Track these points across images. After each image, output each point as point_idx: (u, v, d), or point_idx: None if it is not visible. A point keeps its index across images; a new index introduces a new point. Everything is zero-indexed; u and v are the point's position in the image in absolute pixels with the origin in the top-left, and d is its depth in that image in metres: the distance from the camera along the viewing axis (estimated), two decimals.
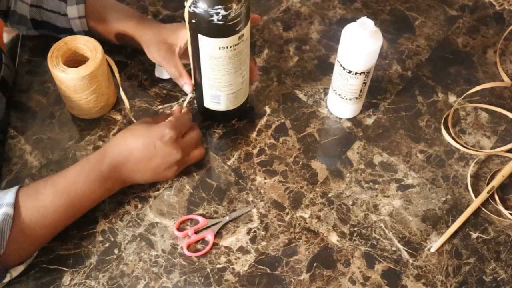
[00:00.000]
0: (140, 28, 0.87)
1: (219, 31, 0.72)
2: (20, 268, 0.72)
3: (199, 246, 0.78)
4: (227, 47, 0.74)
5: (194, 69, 0.80)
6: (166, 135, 0.76)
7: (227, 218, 0.79)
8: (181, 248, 0.77)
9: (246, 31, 0.74)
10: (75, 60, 0.84)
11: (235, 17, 0.70)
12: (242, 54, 0.77)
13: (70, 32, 0.90)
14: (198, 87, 0.84)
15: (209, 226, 0.79)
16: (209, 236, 0.77)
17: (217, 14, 0.69)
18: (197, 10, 0.70)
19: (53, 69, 0.80)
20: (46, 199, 0.71)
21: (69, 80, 0.80)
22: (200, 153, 0.82)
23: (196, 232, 0.78)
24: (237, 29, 0.72)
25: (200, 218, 0.79)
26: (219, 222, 0.79)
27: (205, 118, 0.89)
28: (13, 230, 0.68)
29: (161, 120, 0.80)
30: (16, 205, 0.69)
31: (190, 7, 0.70)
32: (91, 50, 0.82)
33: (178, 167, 0.80)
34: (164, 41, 0.84)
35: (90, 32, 0.89)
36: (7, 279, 0.70)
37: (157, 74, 0.93)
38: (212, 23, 0.70)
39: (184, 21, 0.74)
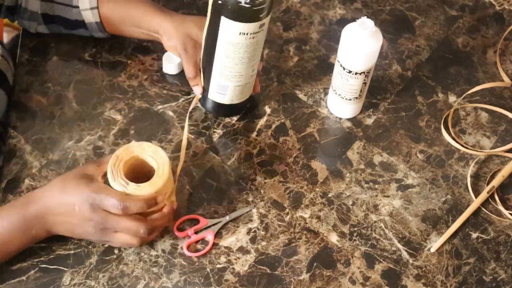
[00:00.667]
0: (159, 14, 0.85)
1: (243, 14, 0.72)
2: None
3: (199, 246, 0.78)
4: (247, 34, 0.74)
5: (207, 55, 0.78)
6: (85, 203, 0.69)
7: (227, 218, 0.79)
8: (181, 248, 0.77)
9: (267, 21, 0.74)
10: (137, 167, 0.74)
11: (261, 3, 0.71)
12: (258, 44, 0.77)
13: (82, 25, 0.89)
14: (206, 75, 0.83)
15: (209, 226, 0.79)
16: (209, 236, 0.77)
17: None
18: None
19: (112, 182, 0.71)
20: None
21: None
22: (129, 242, 0.73)
23: (196, 232, 0.78)
24: (260, 15, 0.72)
25: (200, 218, 0.79)
26: (219, 222, 0.79)
27: (205, 112, 0.89)
28: None
29: (105, 168, 0.72)
30: None
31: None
32: (158, 164, 0.72)
33: (98, 238, 0.73)
34: (189, 35, 0.83)
35: (102, 24, 0.89)
36: None
37: (164, 69, 0.92)
38: (240, 5, 0.70)
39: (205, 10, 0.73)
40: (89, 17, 0.88)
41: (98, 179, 0.71)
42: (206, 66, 0.81)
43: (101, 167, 0.73)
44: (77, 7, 0.88)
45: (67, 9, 0.89)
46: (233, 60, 0.78)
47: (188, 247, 0.77)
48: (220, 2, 0.71)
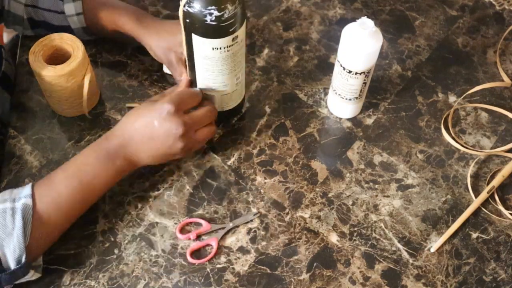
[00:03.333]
0: (140, 27, 0.87)
1: (212, 31, 0.72)
2: (37, 275, 0.72)
3: (202, 251, 0.77)
4: (220, 48, 0.74)
5: (190, 68, 0.80)
6: (164, 110, 0.74)
7: (231, 224, 0.79)
8: (181, 248, 0.77)
9: (240, 32, 0.74)
10: (58, 58, 0.84)
11: (228, 19, 0.70)
12: (236, 55, 0.77)
13: (68, 30, 0.90)
14: (193, 85, 0.83)
15: (212, 232, 0.78)
16: (213, 243, 0.77)
17: (210, 14, 0.69)
18: (191, 10, 0.70)
19: (33, 65, 0.81)
20: (59, 186, 0.72)
21: (47, 77, 0.81)
22: (210, 131, 0.80)
23: (198, 236, 0.78)
24: (231, 30, 0.72)
25: (203, 222, 0.79)
26: (222, 228, 0.79)
27: None
28: (35, 221, 0.69)
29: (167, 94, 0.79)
30: (33, 196, 0.70)
31: (184, 6, 0.70)
32: (73, 48, 0.82)
33: (184, 144, 0.76)
34: (168, 48, 0.84)
35: (88, 29, 0.89)
36: (28, 276, 0.71)
37: (165, 69, 0.93)
38: (206, 23, 0.70)
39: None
40: (75, 22, 0.89)
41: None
42: (192, 78, 0.81)
43: (165, 97, 0.77)
44: (63, 12, 0.88)
45: (53, 15, 0.89)
46: (213, 73, 0.78)
47: (192, 254, 0.77)
48: (188, 21, 0.71)
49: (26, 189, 0.71)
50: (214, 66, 0.77)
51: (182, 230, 0.79)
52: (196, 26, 0.71)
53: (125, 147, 0.75)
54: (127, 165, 0.76)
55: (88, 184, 0.73)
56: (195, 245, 0.77)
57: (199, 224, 0.79)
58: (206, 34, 0.72)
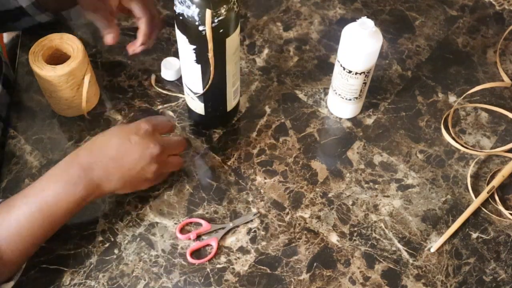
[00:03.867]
0: None
1: (236, 22, 0.72)
2: (11, 284, 0.70)
3: (202, 251, 0.77)
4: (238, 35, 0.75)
5: (215, 77, 0.77)
6: (141, 128, 0.72)
7: (231, 224, 0.79)
8: (181, 248, 0.77)
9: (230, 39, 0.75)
10: (58, 58, 0.84)
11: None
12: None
13: (24, 12, 0.87)
14: (219, 93, 0.81)
15: (212, 232, 0.78)
16: (213, 243, 0.77)
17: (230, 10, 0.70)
18: (221, 17, 0.69)
19: (33, 65, 0.81)
20: (19, 211, 0.68)
21: (47, 77, 0.81)
22: (179, 161, 0.79)
23: (198, 236, 0.78)
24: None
25: (203, 222, 0.79)
26: (222, 228, 0.79)
27: (210, 124, 0.89)
28: None
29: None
30: None
31: (213, 23, 0.69)
32: (73, 49, 0.82)
33: (157, 166, 0.73)
34: None
35: (37, 2, 0.86)
36: None
37: (163, 75, 0.93)
38: (234, 18, 0.71)
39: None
40: (24, 0, 0.85)
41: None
42: (219, 84, 0.79)
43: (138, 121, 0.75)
44: None
45: (5, 1, 0.86)
46: (237, 64, 0.79)
47: (192, 254, 0.77)
48: (221, 31, 0.70)
49: None
50: (237, 57, 0.78)
51: (182, 230, 0.79)
52: (231, 27, 0.71)
53: (91, 171, 0.70)
54: (91, 192, 0.71)
55: (47, 211, 0.69)
56: (195, 245, 0.77)
57: (199, 224, 0.79)
58: (236, 26, 0.72)
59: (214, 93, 0.81)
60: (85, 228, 0.78)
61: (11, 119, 0.88)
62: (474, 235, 0.80)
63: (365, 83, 0.84)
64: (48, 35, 0.84)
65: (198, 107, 0.84)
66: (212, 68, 0.74)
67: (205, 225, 0.79)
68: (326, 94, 0.93)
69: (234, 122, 0.89)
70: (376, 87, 0.94)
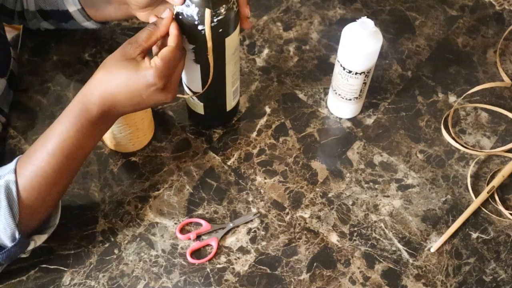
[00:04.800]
0: None
1: (235, 21, 0.72)
2: (44, 237, 0.72)
3: (202, 251, 0.78)
4: (238, 34, 0.75)
5: (214, 77, 0.77)
6: (152, 86, 0.68)
7: (231, 224, 0.79)
8: (181, 248, 0.77)
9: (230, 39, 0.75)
10: None
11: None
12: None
13: (70, 16, 0.89)
14: (219, 93, 0.82)
15: (212, 232, 0.78)
16: (213, 243, 0.77)
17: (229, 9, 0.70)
18: (221, 17, 0.69)
19: None
20: (42, 162, 0.68)
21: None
22: (175, 56, 0.71)
23: (198, 236, 0.78)
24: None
25: (203, 222, 0.79)
26: (222, 228, 0.79)
27: (212, 124, 0.89)
28: (20, 196, 0.67)
29: (142, 44, 0.69)
30: (16, 172, 0.68)
31: (212, 22, 0.69)
32: None
33: (172, 94, 0.72)
34: None
35: (84, 10, 0.88)
36: (31, 246, 0.70)
37: None
38: (233, 18, 0.71)
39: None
40: (71, 5, 0.88)
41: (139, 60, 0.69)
42: (218, 85, 0.80)
43: (139, 46, 0.69)
44: None
45: (55, 1, 0.89)
46: (236, 64, 0.79)
47: (192, 254, 0.77)
48: (220, 30, 0.70)
49: (11, 164, 0.69)
50: (237, 57, 0.77)
51: (182, 230, 0.79)
52: (228, 27, 0.71)
53: (109, 113, 0.70)
54: (112, 122, 0.73)
55: (72, 155, 0.69)
56: (195, 245, 0.77)
57: (199, 224, 0.79)
58: (235, 25, 0.72)
59: (213, 93, 0.81)
60: (85, 228, 0.78)
61: (11, 119, 0.88)
62: (474, 235, 0.80)
63: (365, 83, 0.84)
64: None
65: (198, 107, 0.84)
66: (211, 68, 0.74)
67: (205, 225, 0.79)
68: (326, 94, 0.93)
69: (234, 122, 0.89)
70: (376, 87, 0.94)
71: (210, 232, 0.79)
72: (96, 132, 0.71)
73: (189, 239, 0.78)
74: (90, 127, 0.69)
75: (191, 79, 0.79)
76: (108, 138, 0.84)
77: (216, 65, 0.74)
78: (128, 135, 0.82)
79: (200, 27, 0.69)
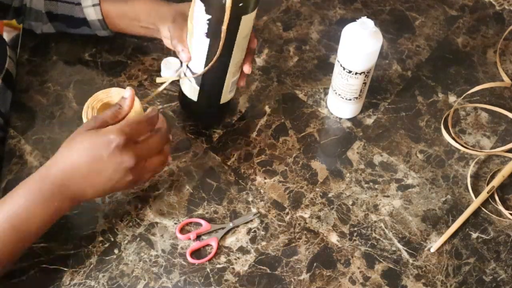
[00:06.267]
0: (158, 3, 0.86)
1: (255, 4, 0.72)
2: None
3: (202, 251, 0.77)
4: (252, 20, 0.75)
5: (219, 59, 0.76)
6: (112, 142, 0.66)
7: (231, 224, 0.79)
8: (181, 248, 0.77)
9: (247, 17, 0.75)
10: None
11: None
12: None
13: (85, 23, 0.90)
14: (218, 79, 0.80)
15: (212, 232, 0.78)
16: (213, 243, 0.77)
17: None
18: None
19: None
20: None
21: None
22: (160, 161, 0.72)
23: (198, 236, 0.78)
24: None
25: (203, 222, 0.79)
26: (222, 228, 0.79)
27: (202, 118, 0.89)
28: None
29: (107, 121, 0.69)
30: None
31: None
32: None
33: (133, 176, 0.69)
34: (182, 11, 0.82)
35: (104, 21, 0.89)
36: None
37: (162, 75, 0.92)
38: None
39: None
40: (91, 14, 0.89)
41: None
42: (219, 72, 0.79)
43: (98, 122, 0.69)
44: (80, 4, 0.89)
45: (70, 7, 0.90)
46: (243, 51, 0.79)
47: (192, 254, 0.77)
48: (240, 4, 0.70)
49: None
50: (245, 45, 0.77)
51: (182, 230, 0.79)
52: (250, 5, 0.71)
53: (66, 186, 0.67)
54: (68, 204, 0.69)
55: (20, 226, 0.66)
56: (195, 245, 0.77)
57: (199, 224, 0.79)
58: (254, 6, 0.72)
59: (212, 78, 0.79)
60: (85, 228, 0.78)
61: (11, 119, 0.88)
62: (474, 235, 0.80)
63: (365, 83, 0.84)
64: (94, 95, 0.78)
65: (192, 91, 0.82)
66: (221, 43, 0.73)
67: (205, 225, 0.79)
68: (326, 94, 0.93)
69: (234, 122, 0.89)
70: (376, 87, 0.94)
71: (210, 232, 0.79)
72: (49, 208, 0.68)
73: (189, 239, 0.78)
74: (43, 201, 0.67)
75: (196, 56, 0.78)
76: None
77: (225, 45, 0.74)
78: None
79: (224, 1, 0.69)
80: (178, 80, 0.93)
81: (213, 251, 0.76)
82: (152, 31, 0.89)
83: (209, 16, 0.72)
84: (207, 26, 0.73)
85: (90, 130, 0.68)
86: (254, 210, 0.81)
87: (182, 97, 0.85)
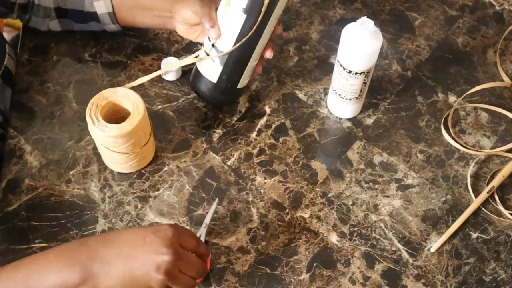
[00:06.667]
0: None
1: None
2: None
3: None
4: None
5: (251, 36, 0.77)
6: (161, 230, 0.61)
7: (204, 226, 0.77)
8: None
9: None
10: (114, 112, 0.78)
11: None
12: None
13: (94, 17, 0.89)
14: (243, 59, 0.81)
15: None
16: None
17: None
18: None
19: (92, 127, 0.75)
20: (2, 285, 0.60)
21: (107, 137, 0.75)
22: (190, 283, 0.63)
23: None
24: None
25: None
26: (199, 236, 0.76)
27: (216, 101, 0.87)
28: None
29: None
30: None
31: None
32: (132, 105, 0.76)
33: (165, 277, 0.60)
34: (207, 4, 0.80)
35: (114, 14, 0.89)
36: None
37: (163, 75, 0.92)
38: None
39: None
40: (102, 7, 0.88)
41: None
42: (245, 53, 0.80)
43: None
44: None
45: (80, 1, 0.89)
46: (268, 34, 0.80)
47: None
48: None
49: None
50: (273, 27, 0.79)
51: None
52: None
53: (93, 259, 0.60)
54: (86, 283, 0.60)
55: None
56: None
57: None
58: None
59: (238, 57, 0.80)
60: (85, 228, 0.78)
61: (11, 119, 0.88)
62: (474, 235, 0.80)
63: (365, 83, 0.84)
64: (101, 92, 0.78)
65: (213, 72, 0.81)
66: (260, 17, 0.75)
67: None
68: (326, 94, 0.93)
69: (234, 122, 0.89)
70: (376, 87, 0.94)
71: None
72: (65, 283, 0.60)
73: None
74: (62, 270, 0.60)
75: (227, 32, 0.78)
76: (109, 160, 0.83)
77: (261, 21, 0.76)
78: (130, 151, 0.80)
79: None
80: (178, 79, 0.93)
81: None
82: (165, 20, 0.87)
83: None
84: (247, 1, 0.74)
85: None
86: (254, 210, 0.81)
87: (198, 79, 0.84)
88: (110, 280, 0.60)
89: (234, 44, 0.78)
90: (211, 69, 0.81)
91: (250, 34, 0.76)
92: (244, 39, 0.77)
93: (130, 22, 0.91)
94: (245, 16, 0.75)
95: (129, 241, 0.61)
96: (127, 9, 0.89)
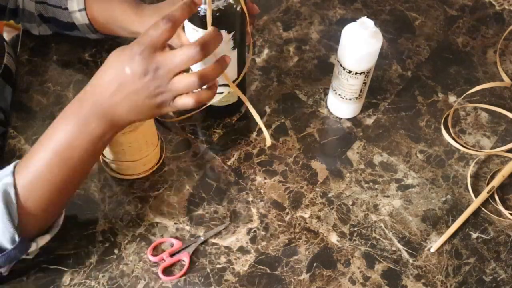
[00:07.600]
0: (136, 14, 0.84)
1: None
2: (47, 238, 0.71)
3: (174, 267, 0.76)
4: None
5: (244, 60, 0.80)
6: (134, 53, 0.62)
7: (202, 238, 0.77)
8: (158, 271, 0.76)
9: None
10: None
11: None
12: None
13: (75, 26, 0.90)
14: (244, 78, 0.83)
15: (184, 248, 0.77)
16: (185, 258, 0.76)
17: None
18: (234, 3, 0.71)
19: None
20: (37, 160, 0.66)
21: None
22: (190, 81, 0.63)
23: (171, 255, 0.76)
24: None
25: (174, 241, 0.77)
26: (194, 243, 0.77)
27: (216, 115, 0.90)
28: (19, 198, 0.65)
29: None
30: (14, 173, 0.66)
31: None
32: None
33: (162, 92, 0.63)
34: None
35: (92, 25, 0.89)
36: (33, 248, 0.69)
37: None
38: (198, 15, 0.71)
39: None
40: (79, 19, 0.89)
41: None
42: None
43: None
44: (67, 9, 0.88)
45: (59, 11, 0.90)
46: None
47: (164, 271, 0.75)
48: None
49: (9, 167, 0.67)
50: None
51: (155, 252, 0.77)
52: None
53: (98, 106, 0.64)
54: (105, 127, 0.66)
55: (64, 155, 0.65)
56: (166, 262, 0.75)
57: (171, 244, 0.77)
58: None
59: (243, 78, 0.83)
60: (85, 228, 0.78)
61: (11, 119, 0.88)
62: (474, 235, 0.80)
63: (365, 83, 0.84)
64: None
65: (233, 96, 0.85)
66: (251, 44, 0.81)
67: (176, 243, 0.76)
68: (326, 94, 0.93)
69: (234, 122, 0.89)
70: (376, 87, 0.94)
71: (183, 249, 0.76)
72: (86, 131, 0.65)
73: (162, 259, 0.76)
74: (78, 124, 0.65)
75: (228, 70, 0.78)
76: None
77: (242, 46, 0.78)
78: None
79: (238, 7, 0.71)
80: None
81: (186, 266, 0.75)
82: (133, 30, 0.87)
83: (232, 32, 0.73)
84: (232, 41, 0.75)
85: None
86: (254, 210, 0.81)
87: (215, 109, 0.86)
88: (122, 116, 0.66)
89: (239, 73, 0.81)
90: (230, 96, 0.85)
91: (249, 58, 0.79)
92: (247, 65, 0.81)
93: (109, 34, 0.91)
94: (235, 51, 0.76)
95: (114, 80, 0.64)
96: (102, 23, 0.89)
